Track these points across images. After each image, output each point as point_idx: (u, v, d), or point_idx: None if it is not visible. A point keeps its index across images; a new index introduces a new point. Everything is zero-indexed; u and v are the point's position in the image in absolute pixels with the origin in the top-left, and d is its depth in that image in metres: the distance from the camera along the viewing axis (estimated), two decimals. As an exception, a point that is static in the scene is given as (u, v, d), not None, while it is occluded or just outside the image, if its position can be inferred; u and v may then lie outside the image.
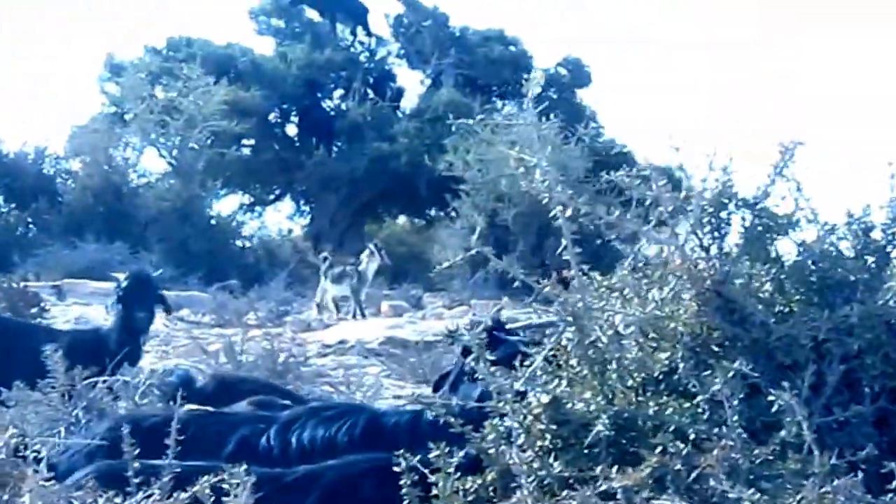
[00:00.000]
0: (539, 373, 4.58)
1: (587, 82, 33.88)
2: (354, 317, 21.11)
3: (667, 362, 4.63)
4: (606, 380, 4.62)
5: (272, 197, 33.04)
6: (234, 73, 31.36)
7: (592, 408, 4.55)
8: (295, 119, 33.20)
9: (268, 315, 19.80)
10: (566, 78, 33.84)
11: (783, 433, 4.35)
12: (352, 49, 33.89)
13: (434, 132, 31.03)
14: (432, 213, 32.56)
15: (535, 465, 4.51)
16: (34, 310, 16.04)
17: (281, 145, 32.78)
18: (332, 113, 33.14)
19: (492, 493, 4.66)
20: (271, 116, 32.70)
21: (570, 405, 4.58)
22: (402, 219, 34.45)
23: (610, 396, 4.58)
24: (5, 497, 4.53)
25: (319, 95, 33.06)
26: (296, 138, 33.16)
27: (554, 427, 4.59)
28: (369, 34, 34.08)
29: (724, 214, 4.75)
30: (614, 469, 4.42)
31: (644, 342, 4.66)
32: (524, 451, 4.54)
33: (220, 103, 28.44)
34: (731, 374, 4.39)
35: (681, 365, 4.61)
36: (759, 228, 4.74)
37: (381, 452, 5.28)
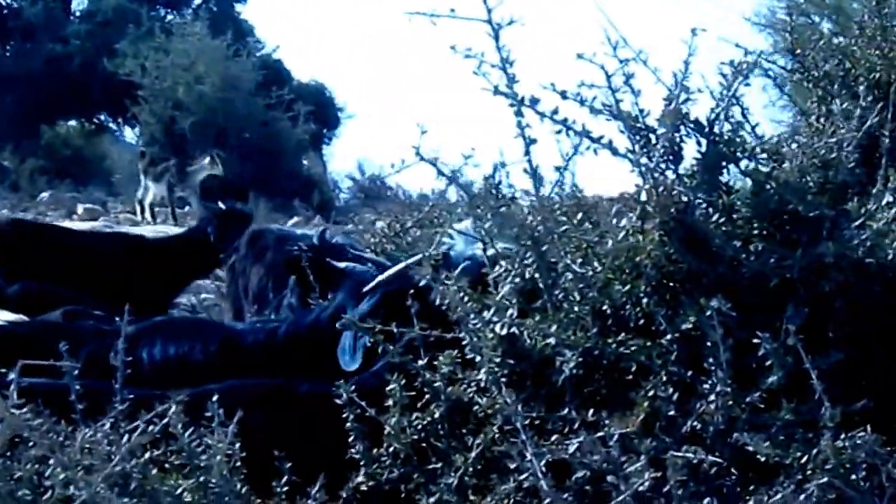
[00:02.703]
0: (507, 302, 3.93)
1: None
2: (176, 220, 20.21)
3: (628, 296, 4.05)
4: (569, 313, 4.01)
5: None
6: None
7: (552, 341, 3.95)
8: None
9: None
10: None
11: (772, 379, 3.82)
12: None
13: (105, 35, 29.98)
14: (102, 118, 31.45)
15: (499, 403, 3.89)
16: None
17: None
18: (6, 12, 31.70)
19: (440, 430, 4.04)
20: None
21: (530, 340, 3.97)
22: (73, 122, 32.81)
23: (575, 332, 3.97)
24: None
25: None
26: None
27: (511, 362, 3.97)
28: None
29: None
30: (591, 412, 3.86)
31: (605, 274, 4.05)
32: (487, 387, 3.91)
33: None
34: (707, 312, 3.83)
35: (644, 300, 4.04)
36: (714, 155, 4.18)
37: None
